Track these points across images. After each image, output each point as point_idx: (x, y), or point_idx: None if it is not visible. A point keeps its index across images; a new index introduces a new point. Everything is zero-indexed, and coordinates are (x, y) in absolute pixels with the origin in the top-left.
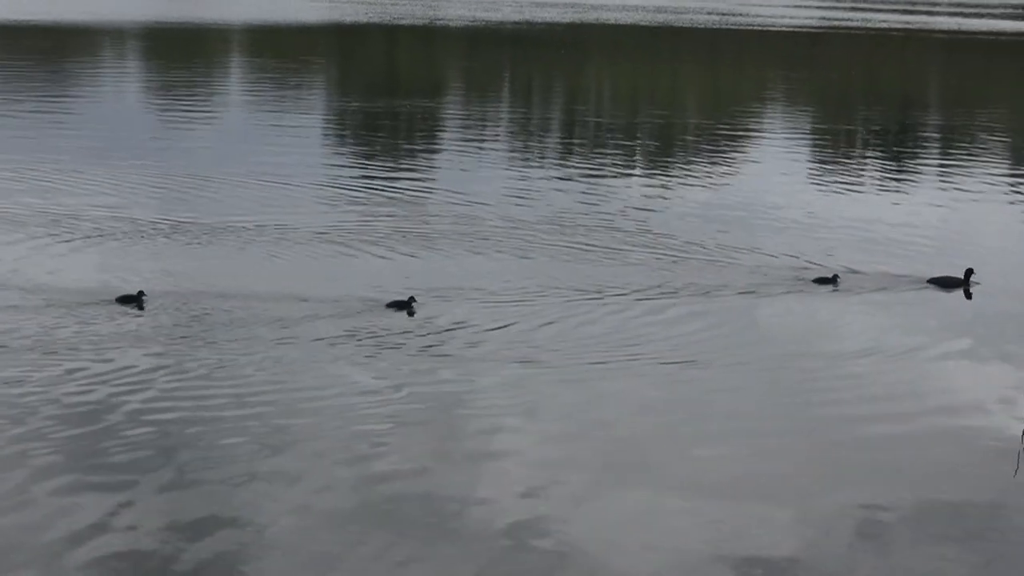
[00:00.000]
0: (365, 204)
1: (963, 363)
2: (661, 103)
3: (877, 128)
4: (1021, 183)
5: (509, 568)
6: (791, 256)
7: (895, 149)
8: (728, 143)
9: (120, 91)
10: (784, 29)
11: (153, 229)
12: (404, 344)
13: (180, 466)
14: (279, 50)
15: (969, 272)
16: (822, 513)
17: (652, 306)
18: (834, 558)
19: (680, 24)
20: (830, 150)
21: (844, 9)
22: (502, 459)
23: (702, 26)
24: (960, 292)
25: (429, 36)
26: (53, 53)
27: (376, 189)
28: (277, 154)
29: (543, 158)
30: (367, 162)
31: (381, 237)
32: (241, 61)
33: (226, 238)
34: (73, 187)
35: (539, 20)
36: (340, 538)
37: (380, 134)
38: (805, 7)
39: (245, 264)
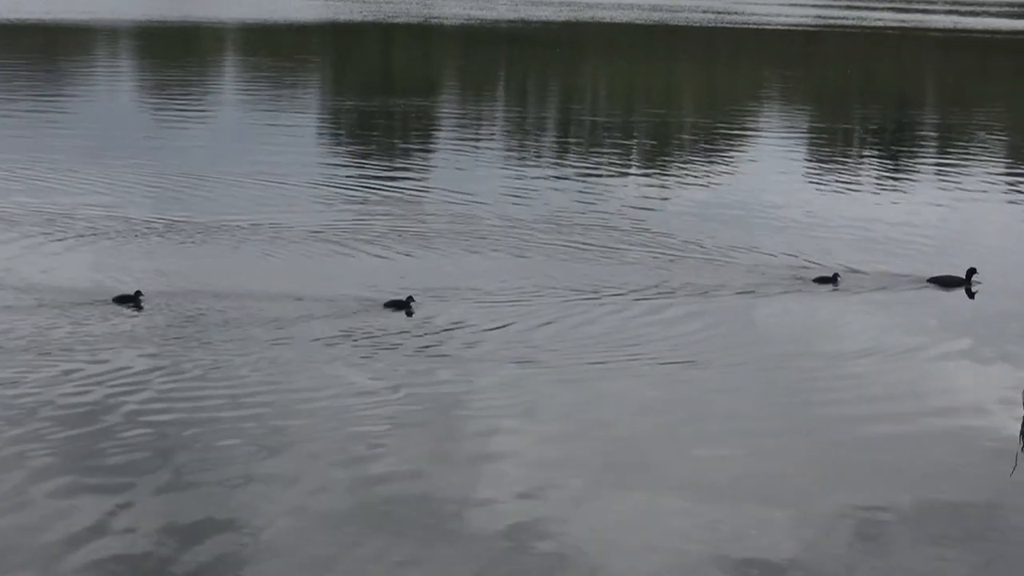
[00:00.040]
0: (361, 203)
1: (963, 363)
2: (657, 102)
3: (874, 127)
4: (1020, 182)
5: (508, 570)
6: (790, 255)
7: (893, 148)
8: (725, 142)
9: (114, 90)
10: (780, 28)
11: (147, 228)
12: (401, 344)
13: (177, 468)
14: (274, 49)
15: (971, 271)
16: (821, 513)
17: (651, 306)
18: (833, 559)
19: (676, 23)
20: (828, 149)
21: (839, 8)
22: (500, 460)
23: (697, 24)
24: (961, 291)
25: (424, 35)
26: (47, 52)
27: (372, 188)
28: (272, 153)
29: (539, 157)
30: (363, 161)
31: (377, 236)
32: (236, 60)
33: (221, 237)
34: (67, 186)
35: (534, 18)
36: (337, 540)
37: (375, 133)
38: (800, 5)
39: (241, 263)
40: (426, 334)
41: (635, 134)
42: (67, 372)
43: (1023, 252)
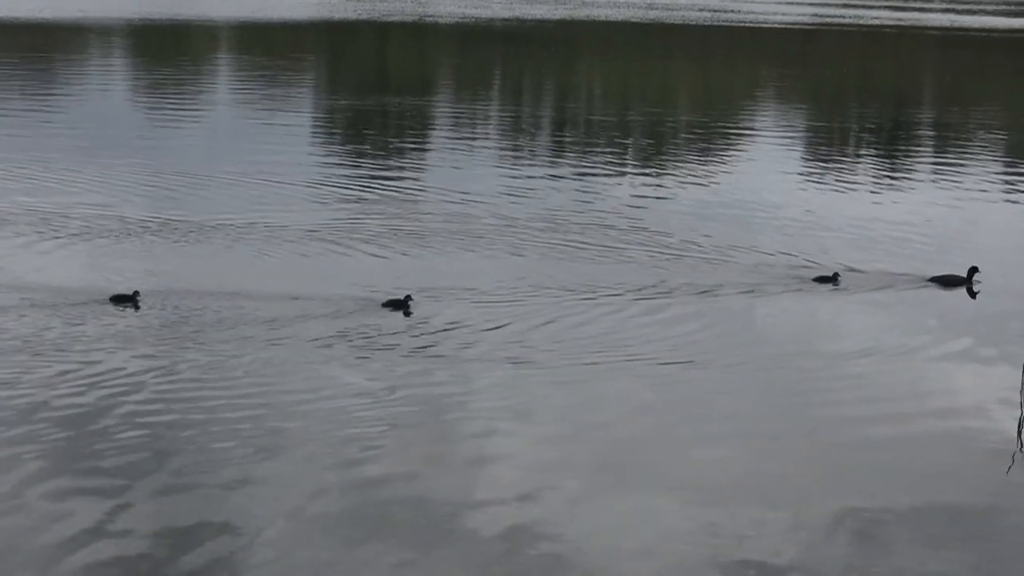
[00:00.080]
0: (356, 203)
1: (964, 363)
2: (653, 101)
3: (873, 126)
4: (1020, 180)
5: (504, 572)
6: (790, 255)
7: (891, 147)
8: (722, 141)
9: (108, 89)
10: (776, 26)
11: (141, 227)
12: (398, 345)
13: (173, 470)
14: (268, 47)
15: (973, 270)
16: (821, 515)
17: (649, 306)
18: (832, 560)
19: (671, 21)
20: (826, 148)
21: (836, 6)
22: (497, 462)
23: (694, 23)
24: (962, 291)
25: (419, 33)
26: (40, 50)
27: (367, 187)
28: (266, 152)
29: (536, 156)
30: (358, 160)
31: (373, 236)
32: (230, 58)
33: (216, 237)
34: (61, 185)
35: (529, 17)
36: (333, 543)
37: (370, 132)
38: (797, 3)
39: (237, 263)
40: (422, 334)
41: (632, 133)
42: (63, 373)
43: (1023, 250)
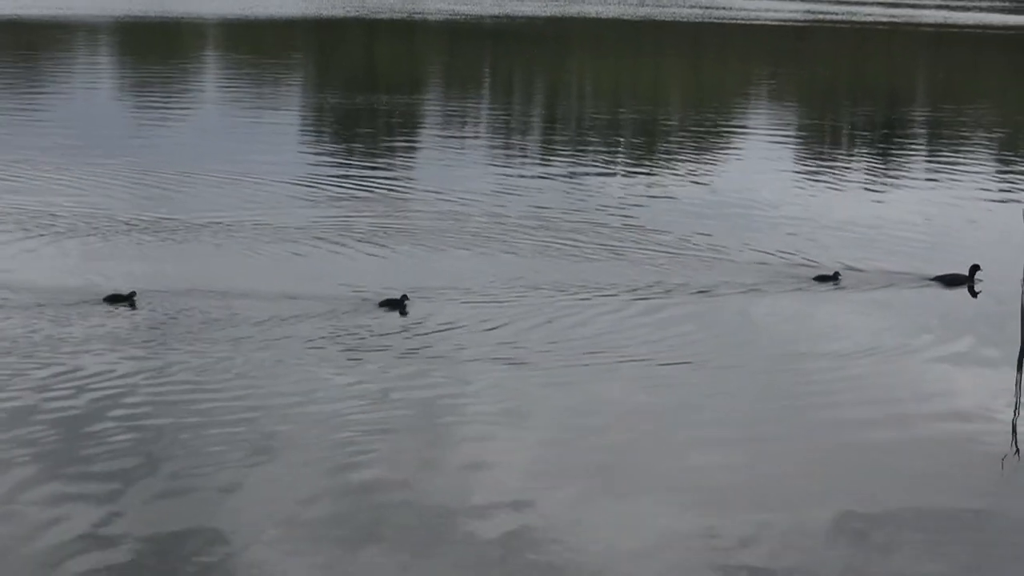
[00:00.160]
0: (347, 201)
1: (965, 363)
2: (645, 98)
3: (867, 123)
4: (1017, 178)
5: None
6: (789, 253)
7: (887, 145)
8: (716, 139)
9: (95, 87)
10: (768, 23)
11: (127, 226)
12: (392, 346)
13: (165, 475)
14: (256, 45)
15: (975, 268)
16: (820, 518)
17: (646, 306)
18: (832, 563)
19: (663, 18)
20: (820, 146)
21: (829, 2)
22: (492, 466)
23: (685, 20)
24: (964, 290)
25: (408, 30)
26: (25, 48)
27: (357, 186)
28: (256, 151)
29: (527, 154)
30: (348, 159)
31: (364, 234)
32: (219, 56)
33: (206, 236)
34: (49, 184)
35: (519, 14)
36: (327, 548)
37: (360, 130)
38: (790, 0)
39: (228, 262)
40: (416, 335)
41: (625, 130)
42: (57, 374)
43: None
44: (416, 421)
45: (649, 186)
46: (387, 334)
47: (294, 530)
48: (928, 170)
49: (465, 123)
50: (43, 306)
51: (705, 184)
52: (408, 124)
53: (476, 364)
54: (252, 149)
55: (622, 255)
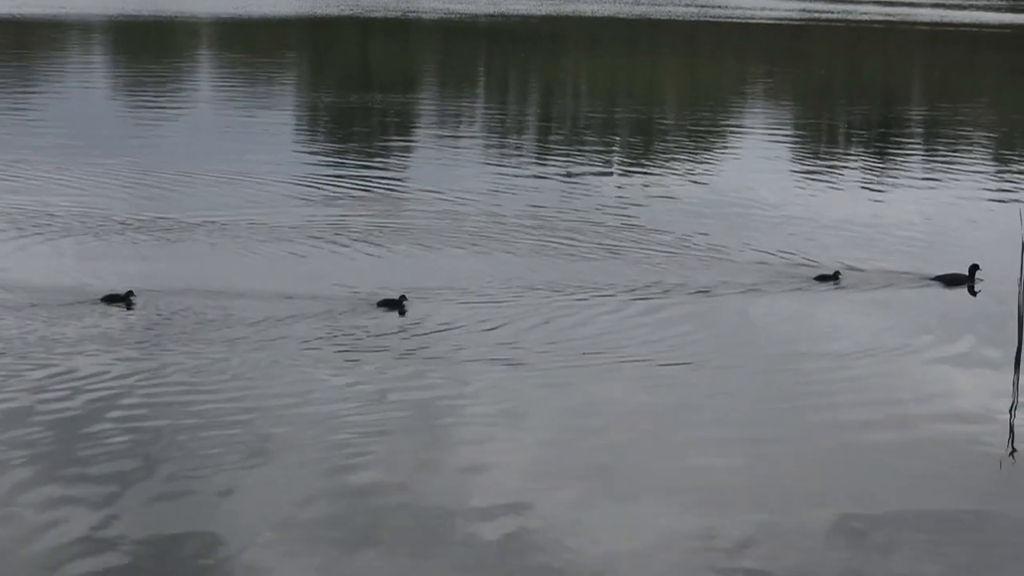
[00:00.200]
0: (343, 200)
1: (966, 363)
2: (641, 97)
3: (864, 123)
4: (1015, 177)
5: None
6: (789, 253)
7: (884, 144)
8: (713, 137)
9: (89, 86)
10: (764, 22)
11: (122, 225)
12: (389, 347)
13: (161, 477)
14: (251, 44)
15: (974, 268)
16: (820, 519)
17: (645, 306)
18: (831, 564)
19: (658, 16)
20: (817, 145)
21: (824, 1)
22: (491, 468)
23: (681, 18)
24: (964, 290)
25: (403, 29)
26: (19, 47)
27: (353, 185)
28: (250, 150)
29: (523, 153)
30: (343, 158)
31: (360, 234)
32: (213, 55)
33: (200, 234)
34: (44, 184)
35: (514, 12)
36: (324, 550)
37: (355, 129)
38: None
39: (225, 262)
40: (413, 335)
41: (621, 129)
42: (52, 375)
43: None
44: (414, 422)
45: (647, 185)
46: (384, 334)
47: (291, 532)
48: (927, 169)
49: (461, 122)
50: (37, 306)
51: (704, 183)
52: (404, 123)
53: (474, 365)
54: (247, 148)
55: (620, 255)
